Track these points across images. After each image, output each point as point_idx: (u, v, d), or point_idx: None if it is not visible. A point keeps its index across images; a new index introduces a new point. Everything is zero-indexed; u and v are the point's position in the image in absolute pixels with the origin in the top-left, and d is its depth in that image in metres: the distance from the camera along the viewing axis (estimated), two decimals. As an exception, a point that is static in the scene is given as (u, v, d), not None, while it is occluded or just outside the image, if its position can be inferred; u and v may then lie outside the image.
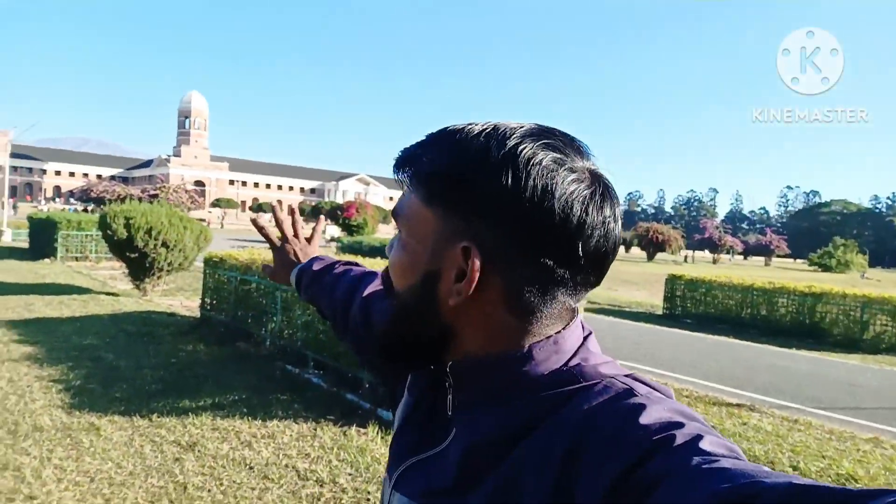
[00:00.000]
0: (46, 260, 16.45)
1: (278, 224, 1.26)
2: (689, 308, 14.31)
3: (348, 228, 40.94)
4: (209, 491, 3.59)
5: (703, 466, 0.43)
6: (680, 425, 0.48)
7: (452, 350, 0.62)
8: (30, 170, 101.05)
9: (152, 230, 10.55)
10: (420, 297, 0.60)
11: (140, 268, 10.95)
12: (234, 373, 5.97)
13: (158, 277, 11.22)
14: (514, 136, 0.57)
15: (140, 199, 14.70)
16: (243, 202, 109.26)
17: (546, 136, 0.58)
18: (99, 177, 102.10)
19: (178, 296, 11.29)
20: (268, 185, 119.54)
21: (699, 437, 0.47)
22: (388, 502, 0.67)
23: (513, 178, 0.55)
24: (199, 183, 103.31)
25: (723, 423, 5.47)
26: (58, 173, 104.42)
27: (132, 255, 10.64)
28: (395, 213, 0.64)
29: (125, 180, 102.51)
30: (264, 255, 7.78)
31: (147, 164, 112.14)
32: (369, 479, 3.80)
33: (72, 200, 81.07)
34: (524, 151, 0.55)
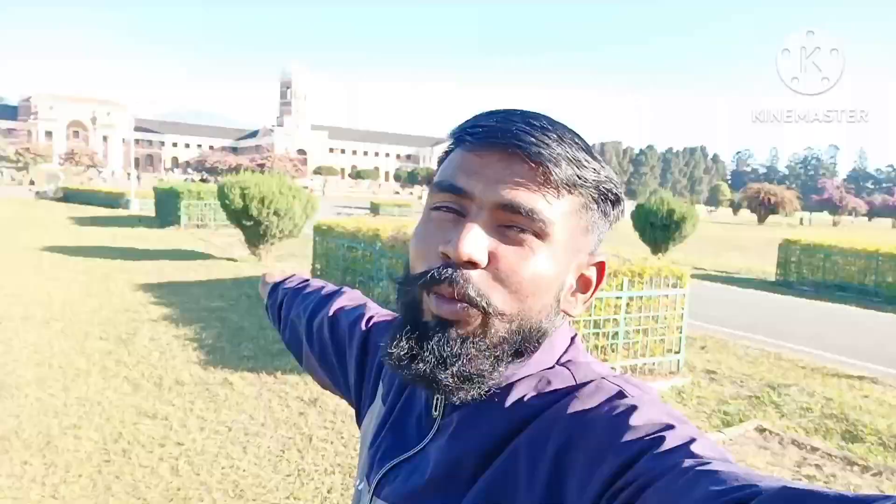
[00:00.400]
0: (171, 227, 17.82)
1: None
2: (805, 275, 13.51)
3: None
4: (332, 443, 3.89)
5: (696, 469, 0.42)
6: (671, 427, 0.48)
7: None
8: (150, 142, 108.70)
9: (265, 199, 11.17)
10: (550, 314, 0.57)
11: (255, 235, 11.66)
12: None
13: (272, 244, 11.91)
14: (595, 157, 0.59)
15: (250, 170, 15.48)
16: (342, 169, 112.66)
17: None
18: (211, 147, 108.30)
19: (290, 261, 11.95)
20: (365, 153, 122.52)
21: (691, 441, 0.47)
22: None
23: (613, 178, 0.59)
24: (300, 151, 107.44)
25: (842, 396, 5.23)
26: (174, 145, 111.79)
27: (247, 223, 11.35)
28: (538, 211, 0.54)
29: (234, 150, 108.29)
30: (368, 222, 8.10)
31: (253, 134, 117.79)
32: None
33: (189, 171, 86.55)
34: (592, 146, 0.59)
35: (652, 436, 0.47)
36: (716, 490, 0.39)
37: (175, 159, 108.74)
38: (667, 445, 0.46)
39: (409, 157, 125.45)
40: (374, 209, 32.15)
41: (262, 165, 51.64)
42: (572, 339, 0.61)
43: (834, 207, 68.66)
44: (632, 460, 0.46)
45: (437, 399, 0.61)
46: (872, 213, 77.06)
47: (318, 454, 3.73)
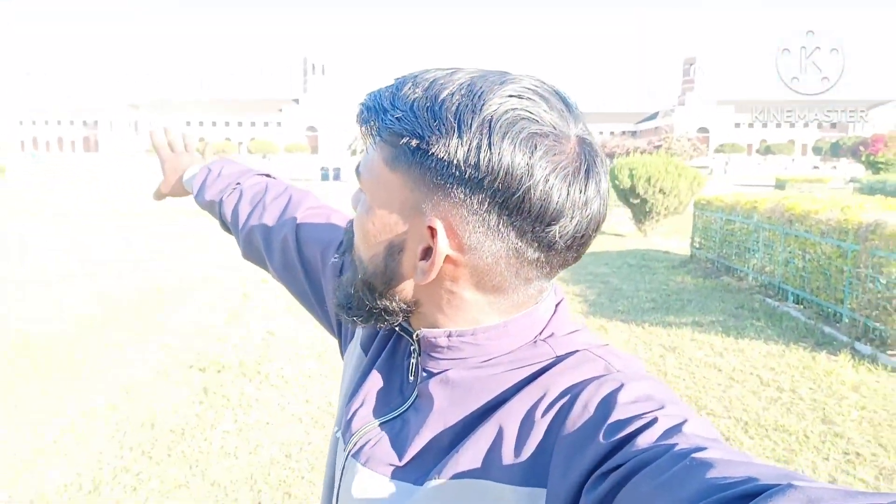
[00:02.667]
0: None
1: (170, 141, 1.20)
2: None
3: (873, 166, 35.27)
4: (684, 381, 4.55)
5: (692, 455, 0.40)
6: (662, 405, 0.47)
7: (418, 319, 0.61)
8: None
9: (651, 178, 11.92)
10: (383, 269, 0.57)
11: (641, 212, 12.51)
12: (715, 300, 6.75)
13: (656, 221, 12.59)
14: (493, 97, 0.50)
15: (643, 152, 16.19)
16: (749, 145, 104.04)
17: (531, 97, 0.51)
18: (612, 133, 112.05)
19: (673, 237, 12.45)
20: (777, 125, 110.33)
21: (683, 422, 0.45)
22: (343, 467, 0.64)
23: (486, 150, 0.49)
24: (702, 129, 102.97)
25: None
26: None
27: (634, 201, 12.27)
28: (358, 171, 0.59)
29: (633, 134, 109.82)
30: (747, 196, 8.18)
31: (653, 116, 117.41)
32: (829, 394, 4.15)
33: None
34: (502, 119, 0.49)
35: (642, 416, 0.46)
36: (714, 481, 0.37)
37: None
38: (659, 427, 0.44)
39: (833, 125, 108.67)
40: (780, 186, 29.58)
41: (658, 147, 51.80)
42: (557, 305, 0.60)
43: None
44: (622, 442, 0.44)
45: (412, 363, 0.62)
46: None
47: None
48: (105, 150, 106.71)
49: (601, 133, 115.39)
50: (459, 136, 0.49)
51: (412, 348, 0.62)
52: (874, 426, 3.70)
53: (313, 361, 4.79)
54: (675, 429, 0.45)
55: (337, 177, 39.84)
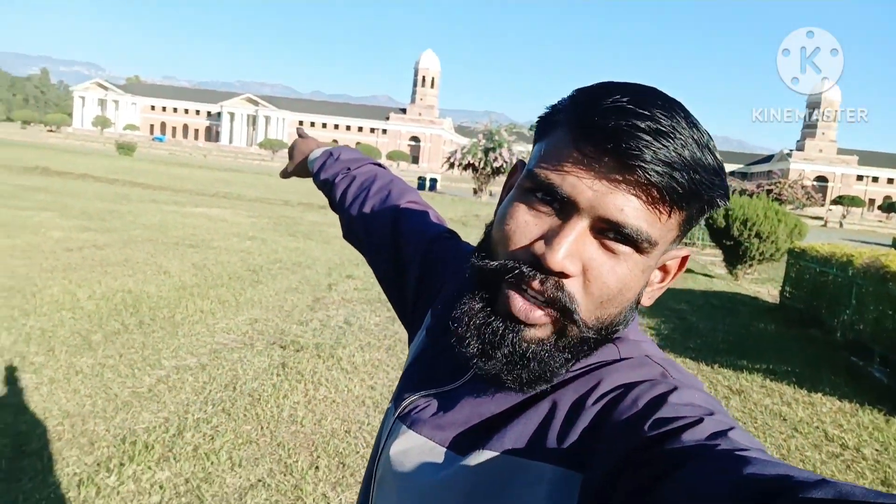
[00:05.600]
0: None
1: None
2: None
3: None
4: (744, 424, 4.48)
5: (734, 453, 0.42)
6: (710, 413, 0.48)
7: None
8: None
9: (747, 221, 11.54)
10: (627, 315, 0.56)
11: (734, 255, 12.12)
12: (795, 351, 6.54)
13: (749, 265, 12.16)
14: (712, 143, 0.54)
15: (752, 195, 15.60)
16: (871, 200, 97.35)
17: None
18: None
19: (766, 284, 12.00)
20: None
21: (730, 429, 0.46)
22: (390, 430, 0.66)
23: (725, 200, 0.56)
24: (820, 178, 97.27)
25: None
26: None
27: (727, 243, 11.92)
28: (646, 238, 0.52)
29: (744, 175, 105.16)
30: (844, 247, 7.84)
31: (768, 159, 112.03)
32: (894, 459, 4.00)
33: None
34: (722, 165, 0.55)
35: (690, 416, 0.47)
36: (750, 475, 0.38)
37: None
38: (705, 427, 0.45)
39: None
40: (897, 246, 27.50)
41: (768, 192, 49.49)
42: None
43: None
44: (666, 435, 0.45)
45: None
46: None
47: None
48: (224, 140, 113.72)
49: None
50: (724, 193, 0.55)
51: None
52: (940, 497, 3.54)
53: (382, 352, 5.09)
54: (721, 433, 0.45)
55: (433, 187, 40.70)
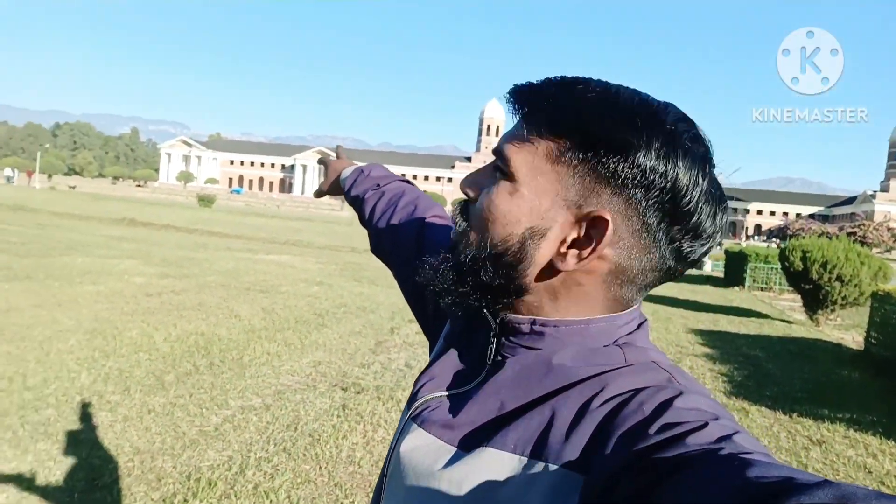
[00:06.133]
0: (736, 287, 18.69)
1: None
2: None
3: None
4: (827, 477, 4.20)
5: (738, 456, 0.42)
6: (715, 417, 0.49)
7: (512, 305, 0.62)
8: (735, 210, 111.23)
9: (827, 264, 10.99)
10: (517, 250, 0.58)
11: (814, 299, 11.52)
12: (881, 400, 6.10)
13: (832, 311, 11.51)
14: (669, 112, 0.55)
15: (831, 236, 14.93)
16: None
17: (694, 126, 0.57)
18: (798, 215, 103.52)
19: (850, 330, 11.30)
20: None
21: (734, 433, 0.47)
22: (401, 429, 0.68)
23: (668, 160, 0.53)
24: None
25: None
26: (759, 212, 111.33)
27: (806, 287, 11.35)
28: (505, 154, 0.59)
29: (825, 218, 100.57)
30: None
31: (850, 200, 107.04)
32: None
33: (771, 238, 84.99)
34: (683, 135, 0.54)
35: (695, 421, 0.47)
36: (753, 478, 0.39)
37: (758, 226, 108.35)
38: (709, 432, 0.46)
39: None
40: None
41: (851, 234, 47.01)
42: (640, 325, 0.62)
43: None
44: (671, 439, 0.46)
45: (491, 348, 0.63)
46: None
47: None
48: (297, 191, 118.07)
49: (785, 214, 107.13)
50: (647, 144, 0.53)
51: (492, 333, 0.63)
52: None
53: (442, 395, 5.08)
54: (726, 437, 0.46)
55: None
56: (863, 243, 26.81)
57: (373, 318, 8.22)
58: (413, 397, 0.69)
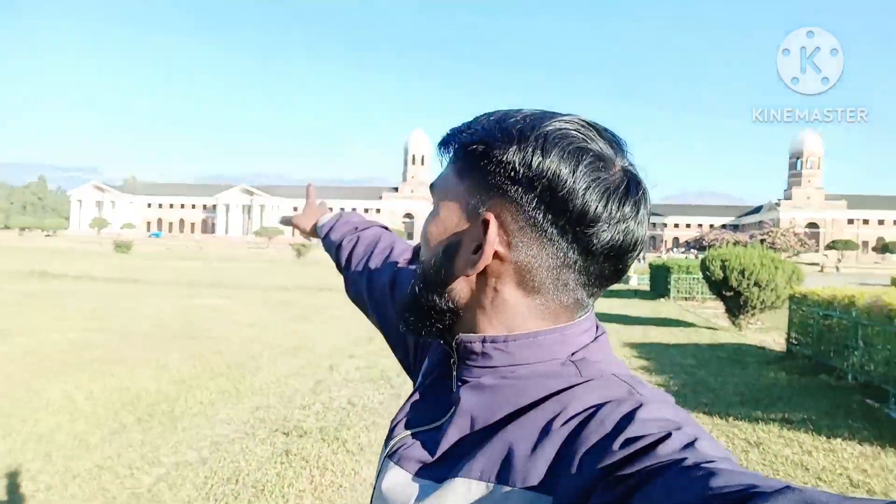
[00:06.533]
0: (662, 299, 19.36)
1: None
2: None
3: None
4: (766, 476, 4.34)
5: (700, 466, 0.43)
6: (678, 426, 0.49)
7: (463, 326, 0.64)
8: (654, 224, 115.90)
9: (745, 271, 11.56)
10: (439, 265, 0.63)
11: (735, 305, 12.07)
12: (809, 398, 6.39)
13: (752, 315, 12.08)
14: (551, 121, 0.58)
15: (744, 244, 15.70)
16: (864, 242, 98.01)
17: (586, 126, 0.59)
18: (711, 226, 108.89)
19: (770, 333, 11.87)
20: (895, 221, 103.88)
21: (695, 440, 0.47)
22: (380, 468, 0.69)
23: (538, 156, 0.56)
24: (811, 225, 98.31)
25: None
26: (676, 226, 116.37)
27: (727, 294, 11.88)
28: (432, 185, 0.67)
29: (735, 227, 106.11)
30: (845, 290, 7.82)
31: (756, 210, 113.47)
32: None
33: (689, 250, 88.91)
34: (555, 133, 0.57)
35: (657, 433, 0.48)
36: (717, 487, 0.39)
37: (676, 239, 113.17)
38: (673, 442, 0.46)
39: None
40: (897, 285, 27.51)
41: (761, 241, 49.81)
42: (597, 337, 0.63)
43: None
44: (636, 453, 0.46)
45: (455, 375, 0.65)
46: None
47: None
48: (220, 231, 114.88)
49: (700, 226, 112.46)
50: (518, 144, 0.57)
51: (452, 360, 0.65)
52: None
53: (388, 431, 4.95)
54: (689, 445, 0.46)
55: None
56: (773, 249, 28.43)
57: (310, 357, 8.00)
58: (389, 436, 0.70)
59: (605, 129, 0.61)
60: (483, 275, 0.61)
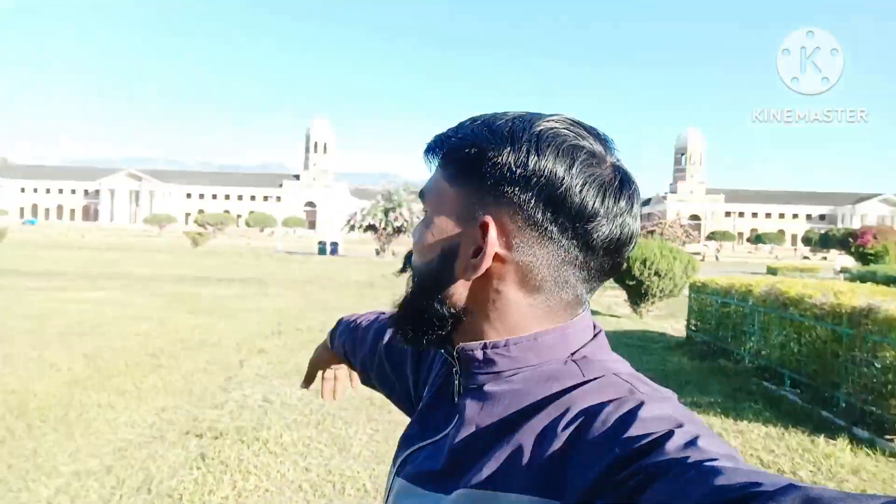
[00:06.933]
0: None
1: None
2: None
3: (862, 258, 35.80)
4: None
5: (703, 464, 0.43)
6: (680, 424, 0.49)
7: (464, 332, 0.63)
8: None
9: (647, 261, 12.10)
10: (437, 272, 0.62)
11: (637, 293, 12.63)
12: (713, 382, 6.76)
13: (652, 303, 12.69)
14: (542, 121, 0.59)
15: (643, 236, 16.54)
16: (740, 233, 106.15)
17: (574, 125, 0.60)
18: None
19: (668, 320, 12.53)
20: (767, 215, 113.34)
21: (698, 437, 0.47)
22: (389, 486, 0.70)
23: (533, 156, 0.57)
24: (694, 217, 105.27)
25: None
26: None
27: (630, 283, 12.41)
28: (422, 192, 0.67)
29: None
30: (742, 279, 8.33)
31: (646, 202, 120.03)
32: (829, 478, 4.14)
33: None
34: (548, 132, 0.58)
35: (660, 430, 0.48)
36: (719, 486, 0.39)
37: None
38: (675, 441, 0.46)
39: (822, 217, 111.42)
40: (771, 273, 29.92)
41: (651, 232, 52.72)
42: (596, 335, 0.64)
43: None
44: (638, 452, 0.46)
45: (457, 384, 0.65)
46: None
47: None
48: (104, 218, 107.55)
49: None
50: (512, 145, 0.58)
51: (455, 369, 0.65)
52: (877, 510, 3.66)
53: (311, 429, 4.73)
54: (691, 443, 0.46)
55: (334, 251, 40.00)
56: (662, 239, 30.08)
57: (217, 353, 7.56)
58: (397, 453, 0.71)
59: (592, 127, 0.62)
60: (484, 277, 0.60)
